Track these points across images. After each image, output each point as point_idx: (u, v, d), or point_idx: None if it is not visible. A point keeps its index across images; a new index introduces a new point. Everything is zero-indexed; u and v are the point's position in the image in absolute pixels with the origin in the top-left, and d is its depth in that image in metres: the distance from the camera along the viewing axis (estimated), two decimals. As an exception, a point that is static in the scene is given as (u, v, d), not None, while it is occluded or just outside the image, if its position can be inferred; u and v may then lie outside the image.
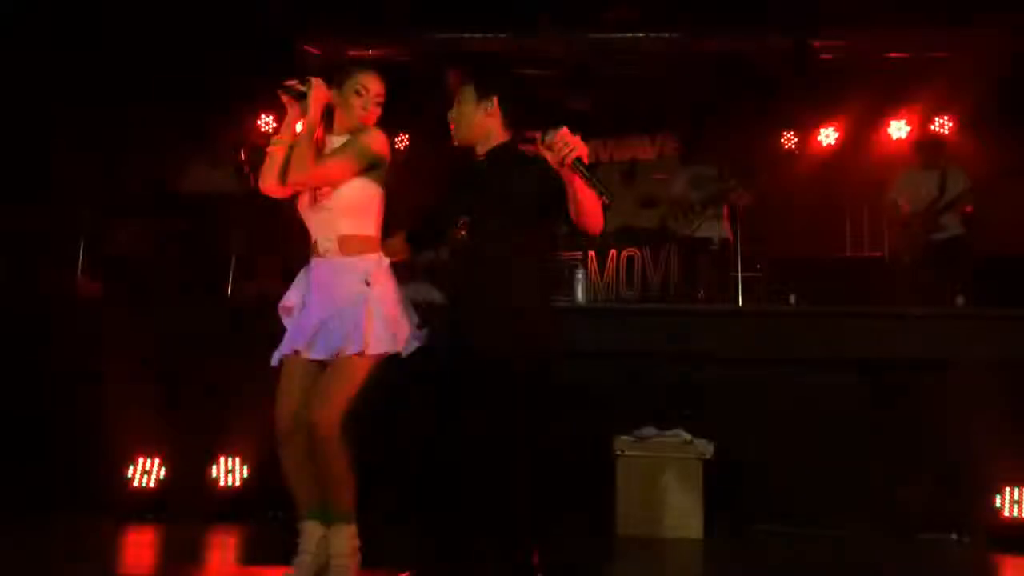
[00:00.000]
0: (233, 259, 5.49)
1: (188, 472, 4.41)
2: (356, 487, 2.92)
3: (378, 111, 3.05)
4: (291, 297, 3.07)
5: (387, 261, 3.02)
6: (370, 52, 7.31)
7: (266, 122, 7.32)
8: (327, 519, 2.92)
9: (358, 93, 3.00)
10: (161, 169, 6.46)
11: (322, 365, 2.94)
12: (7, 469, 4.44)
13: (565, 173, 2.55)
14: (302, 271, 3.08)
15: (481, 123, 2.88)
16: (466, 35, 7.14)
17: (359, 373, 2.90)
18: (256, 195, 3.16)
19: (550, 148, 2.52)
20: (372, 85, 3.02)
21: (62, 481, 4.40)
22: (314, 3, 6.20)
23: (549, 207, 2.73)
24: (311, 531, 2.93)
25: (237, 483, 4.36)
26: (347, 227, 2.97)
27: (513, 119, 2.90)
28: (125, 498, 4.36)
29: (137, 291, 5.44)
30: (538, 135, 2.55)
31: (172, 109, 6.35)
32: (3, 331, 4.71)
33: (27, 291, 5.34)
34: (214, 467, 4.39)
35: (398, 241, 3.16)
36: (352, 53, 7.17)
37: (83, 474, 4.42)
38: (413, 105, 7.40)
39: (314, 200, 2.98)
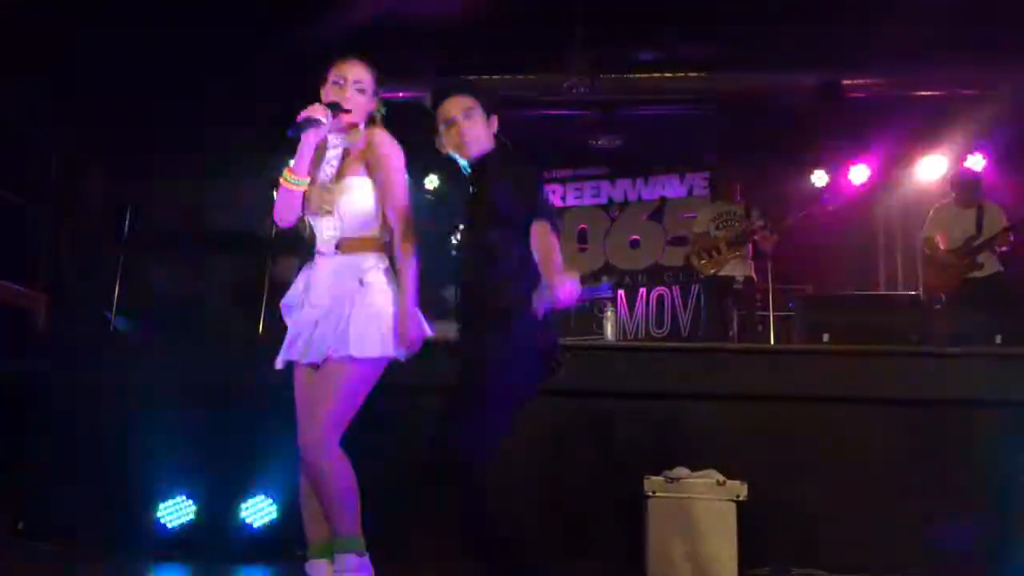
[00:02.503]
0: (264, 297, 5.54)
1: (218, 511, 4.41)
2: (360, 512, 2.73)
3: (360, 98, 2.88)
4: (291, 296, 2.91)
5: (386, 262, 2.89)
6: (400, 94, 7.42)
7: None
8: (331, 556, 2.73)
9: (337, 84, 2.88)
10: (197, 207, 6.56)
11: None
12: (41, 505, 4.48)
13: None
14: (304, 268, 2.94)
15: (487, 137, 2.89)
16: (495, 76, 7.22)
17: (350, 380, 2.72)
18: (289, 232, 3.12)
19: None
20: (350, 72, 2.89)
21: (92, 519, 4.42)
22: (344, 46, 6.31)
23: (523, 204, 2.70)
24: (316, 573, 2.77)
25: (267, 522, 4.34)
26: (350, 229, 2.86)
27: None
28: (155, 537, 4.36)
29: (170, 330, 5.49)
30: None
31: (206, 150, 6.46)
32: (37, 369, 4.77)
33: (62, 330, 5.42)
34: (244, 506, 4.39)
35: None
36: (383, 95, 7.26)
37: (113, 512, 4.44)
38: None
39: (320, 202, 2.86)
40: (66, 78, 5.81)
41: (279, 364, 2.87)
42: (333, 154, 2.92)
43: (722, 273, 6.39)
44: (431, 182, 8.14)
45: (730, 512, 4.00)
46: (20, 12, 5.29)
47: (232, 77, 6.31)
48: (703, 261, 6.49)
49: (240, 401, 4.49)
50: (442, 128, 2.87)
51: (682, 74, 7.24)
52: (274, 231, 5.81)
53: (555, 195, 8.89)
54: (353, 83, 2.88)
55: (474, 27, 6.61)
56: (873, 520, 4.20)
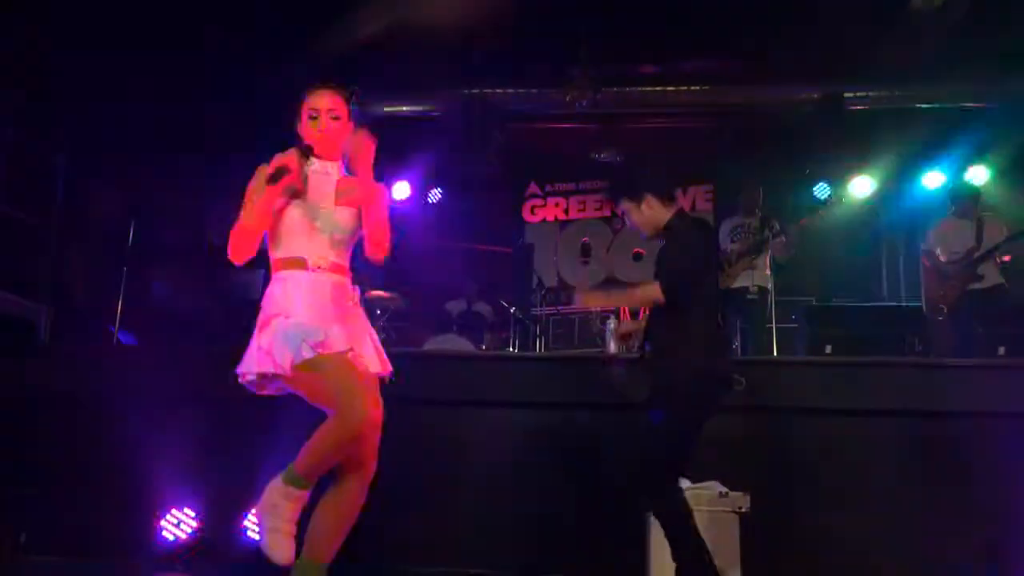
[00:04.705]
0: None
1: (220, 522, 4.41)
2: None
3: (336, 125, 2.88)
4: (312, 302, 2.77)
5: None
6: (404, 108, 7.47)
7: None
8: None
9: (312, 118, 2.87)
10: (199, 220, 6.57)
11: None
12: (43, 517, 4.48)
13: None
14: (277, 284, 2.81)
15: (648, 217, 3.56)
16: (497, 90, 7.26)
17: None
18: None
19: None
20: (321, 102, 2.87)
21: (95, 530, 4.42)
22: (348, 60, 6.35)
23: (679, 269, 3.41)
24: None
25: (268, 535, 4.33)
26: (341, 255, 2.89)
27: (666, 195, 3.57)
28: (157, 547, 4.36)
29: (173, 342, 5.50)
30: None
31: (209, 161, 6.49)
32: (39, 382, 4.79)
33: (65, 342, 5.43)
34: (246, 517, 4.39)
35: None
36: (387, 109, 7.33)
37: (116, 523, 4.44)
38: (446, 158, 7.55)
39: (320, 224, 2.84)
40: (70, 94, 5.85)
41: (311, 353, 2.66)
42: (326, 180, 2.90)
43: (735, 285, 6.37)
44: (433, 196, 8.18)
45: (733, 524, 3.97)
46: (25, 30, 5.34)
47: (236, 93, 6.34)
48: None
49: (243, 413, 4.49)
50: None
51: (684, 88, 7.27)
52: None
53: (558, 208, 8.93)
54: (327, 112, 2.88)
55: (478, 42, 6.65)
56: (876, 532, 4.19)
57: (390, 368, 2.90)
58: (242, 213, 2.80)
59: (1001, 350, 5.32)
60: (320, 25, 6.15)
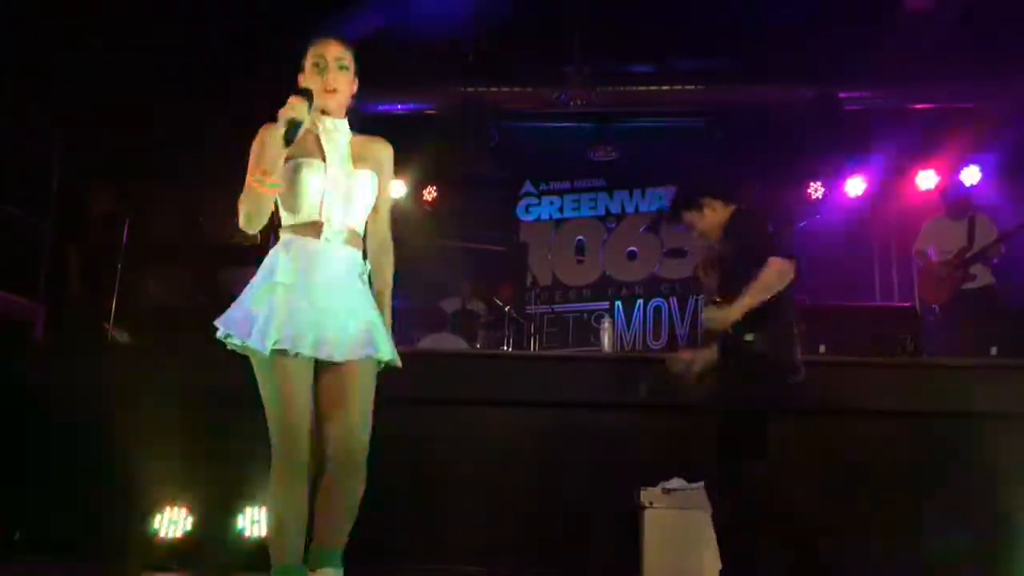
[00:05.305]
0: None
1: (214, 522, 4.41)
2: None
3: (346, 77, 2.70)
4: (283, 274, 2.58)
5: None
6: (399, 106, 7.47)
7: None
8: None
9: (317, 66, 2.67)
10: (194, 217, 6.57)
11: (313, 368, 2.58)
12: (35, 517, 4.48)
13: None
14: (282, 247, 2.64)
15: (712, 221, 3.79)
16: (492, 88, 7.27)
17: (374, 382, 2.65)
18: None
19: None
20: (329, 51, 2.67)
21: (88, 530, 4.41)
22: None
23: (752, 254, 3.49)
24: None
25: (263, 533, 4.34)
26: (357, 223, 2.71)
27: (723, 195, 3.77)
28: (151, 548, 4.35)
29: (166, 340, 5.49)
30: None
31: (204, 160, 6.49)
32: (33, 380, 4.78)
33: (60, 340, 5.42)
34: (240, 517, 4.39)
35: None
36: (381, 107, 7.32)
37: (109, 523, 4.44)
38: (441, 157, 7.55)
39: (338, 186, 2.64)
40: (66, 90, 5.83)
41: (266, 348, 2.52)
42: (339, 140, 2.72)
43: None
44: (429, 193, 8.18)
45: (726, 523, 4.00)
46: (19, 24, 5.32)
47: (232, 87, 6.33)
48: (707, 277, 6.46)
49: (237, 412, 4.48)
50: None
51: (679, 87, 7.28)
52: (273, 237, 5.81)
53: (553, 206, 8.94)
54: (334, 61, 2.68)
55: (474, 40, 6.66)
56: (869, 531, 4.21)
57: (388, 354, 2.65)
58: (248, 178, 2.54)
59: (993, 350, 5.33)
60: (317, 18, 6.14)
